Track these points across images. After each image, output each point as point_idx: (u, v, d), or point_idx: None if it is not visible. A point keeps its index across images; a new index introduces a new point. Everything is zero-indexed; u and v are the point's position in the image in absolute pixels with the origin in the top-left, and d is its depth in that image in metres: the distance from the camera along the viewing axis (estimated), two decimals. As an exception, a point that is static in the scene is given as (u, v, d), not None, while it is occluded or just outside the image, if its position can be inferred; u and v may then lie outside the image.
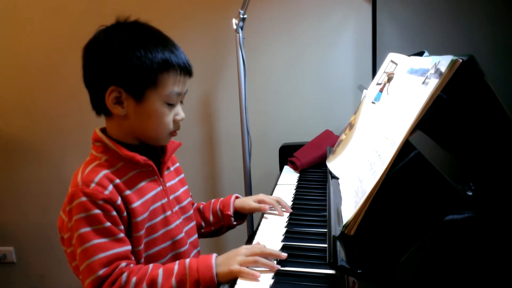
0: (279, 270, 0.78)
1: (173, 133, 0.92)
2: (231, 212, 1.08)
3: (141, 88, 0.84)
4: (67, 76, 1.86)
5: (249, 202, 1.10)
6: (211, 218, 1.10)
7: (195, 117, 1.85)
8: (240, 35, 1.52)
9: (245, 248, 0.83)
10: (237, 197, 1.13)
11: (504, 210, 0.43)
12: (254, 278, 0.77)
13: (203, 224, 1.11)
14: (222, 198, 1.13)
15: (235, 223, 1.10)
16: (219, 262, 0.80)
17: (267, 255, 0.81)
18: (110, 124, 0.90)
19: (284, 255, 0.82)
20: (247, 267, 0.79)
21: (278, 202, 1.10)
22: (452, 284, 0.50)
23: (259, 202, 1.09)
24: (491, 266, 0.45)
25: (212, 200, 1.14)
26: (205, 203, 1.15)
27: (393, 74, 0.92)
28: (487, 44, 0.66)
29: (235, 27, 1.51)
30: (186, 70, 0.89)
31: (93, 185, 0.81)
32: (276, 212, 1.08)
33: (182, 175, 1.06)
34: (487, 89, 0.53)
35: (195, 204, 1.14)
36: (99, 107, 0.88)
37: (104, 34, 0.86)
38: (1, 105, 1.97)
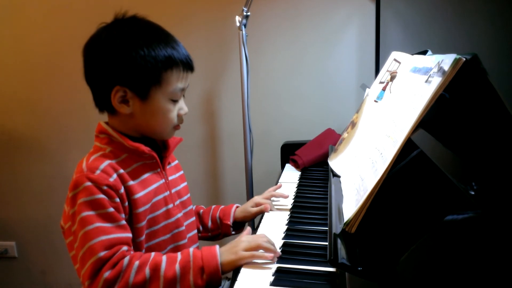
0: (279, 267, 0.78)
1: (176, 127, 0.93)
2: (230, 222, 1.09)
3: (146, 87, 0.85)
4: (70, 73, 1.86)
5: (248, 209, 1.11)
6: (209, 224, 1.11)
7: (198, 115, 1.85)
8: (243, 33, 1.51)
9: (246, 236, 0.85)
10: (237, 207, 1.13)
11: (506, 210, 0.43)
12: (266, 258, 0.80)
13: (200, 228, 1.12)
14: (222, 206, 1.14)
15: (233, 233, 1.11)
16: (222, 252, 0.81)
17: (265, 249, 0.82)
18: (113, 120, 0.91)
19: (279, 252, 0.83)
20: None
21: (274, 196, 1.13)
22: (453, 283, 0.50)
23: (257, 205, 1.10)
24: (492, 266, 0.45)
25: (213, 206, 1.15)
26: (205, 208, 1.15)
27: (396, 72, 0.91)
28: (491, 43, 0.66)
29: (238, 24, 1.51)
30: (188, 66, 0.90)
31: (98, 171, 0.82)
32: (278, 208, 1.10)
33: (182, 172, 1.07)
34: (490, 88, 0.53)
35: (194, 206, 1.14)
36: (103, 104, 0.89)
37: (106, 33, 0.86)
38: (4, 102, 1.97)
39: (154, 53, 0.84)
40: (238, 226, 1.12)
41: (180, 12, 1.76)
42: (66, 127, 1.95)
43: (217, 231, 1.11)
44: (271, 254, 0.80)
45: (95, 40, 0.87)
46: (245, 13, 1.48)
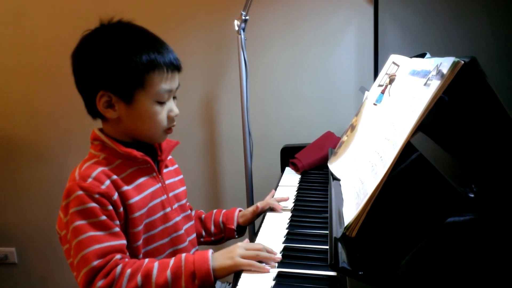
0: (280, 271, 0.78)
1: (168, 131, 0.92)
2: (234, 226, 1.09)
3: (129, 90, 0.85)
4: (70, 77, 1.84)
5: (245, 212, 1.12)
6: (212, 228, 1.11)
7: (197, 118, 1.85)
8: (242, 36, 1.52)
9: (243, 243, 0.84)
10: (240, 211, 1.14)
11: (506, 213, 0.43)
12: (263, 270, 0.78)
13: (203, 233, 1.12)
14: (224, 210, 1.14)
15: (237, 236, 1.11)
16: (216, 256, 0.81)
17: (264, 259, 0.81)
18: (106, 126, 0.92)
19: (279, 258, 0.82)
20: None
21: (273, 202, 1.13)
22: (454, 286, 0.50)
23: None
24: (493, 269, 0.45)
25: (214, 211, 1.15)
26: (206, 213, 1.15)
27: (395, 75, 0.92)
28: (489, 45, 0.66)
29: (237, 28, 1.51)
30: (173, 66, 0.88)
31: (90, 179, 0.81)
32: (282, 205, 1.12)
33: (181, 176, 1.07)
34: (489, 90, 0.53)
35: (194, 211, 1.14)
36: (93, 111, 0.89)
37: (88, 39, 0.87)
38: (4, 106, 1.97)
39: (135, 57, 0.83)
40: (241, 230, 1.13)
41: (179, 16, 1.77)
42: (66, 131, 1.95)
43: (220, 235, 1.11)
44: (268, 268, 0.79)
45: (79, 48, 0.88)
46: (243, 17, 1.49)
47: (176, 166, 1.07)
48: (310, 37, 1.71)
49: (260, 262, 0.80)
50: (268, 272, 0.78)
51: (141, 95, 0.85)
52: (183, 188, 1.05)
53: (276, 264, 0.81)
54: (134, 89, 0.85)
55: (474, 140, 0.59)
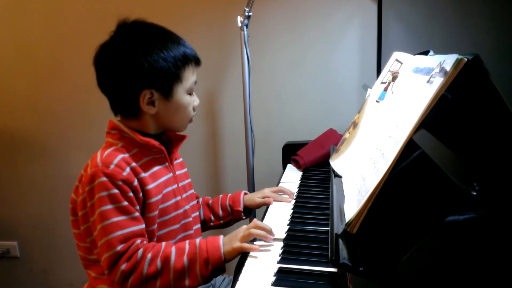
0: (281, 267, 0.78)
1: (191, 119, 1.00)
2: (241, 207, 1.14)
3: (170, 86, 0.91)
4: (72, 73, 1.86)
5: (254, 198, 1.16)
6: (220, 212, 1.16)
7: (199, 115, 1.85)
8: (245, 33, 1.51)
9: (243, 227, 0.91)
10: (245, 193, 1.18)
11: (508, 211, 0.43)
12: (254, 250, 0.85)
13: (212, 218, 1.16)
14: (230, 194, 1.19)
15: (244, 217, 1.17)
16: (225, 242, 0.87)
17: (260, 228, 0.90)
18: (128, 121, 0.95)
19: (271, 237, 0.89)
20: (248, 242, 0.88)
21: (282, 191, 1.18)
22: (454, 283, 0.50)
23: (264, 197, 1.16)
24: (494, 267, 0.45)
25: (220, 196, 1.19)
26: (213, 199, 1.20)
27: (398, 73, 0.91)
28: (493, 43, 0.66)
29: (240, 25, 1.51)
30: (197, 60, 0.96)
31: (112, 166, 0.86)
32: (282, 201, 1.15)
33: (186, 169, 1.10)
34: (492, 88, 0.53)
35: (201, 199, 1.19)
36: (127, 109, 0.93)
37: (118, 41, 0.90)
38: (7, 101, 1.97)
39: (172, 53, 0.89)
40: (248, 211, 1.17)
41: (182, 12, 1.76)
42: (69, 127, 1.95)
43: (228, 218, 1.16)
44: (257, 246, 0.86)
45: (109, 50, 0.90)
46: (246, 13, 1.48)
47: (181, 159, 1.10)
48: (313, 34, 1.70)
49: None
50: (257, 249, 0.85)
51: (179, 89, 0.92)
52: (188, 180, 1.09)
53: (271, 236, 0.89)
54: (173, 84, 0.91)
55: (477, 138, 0.59)
